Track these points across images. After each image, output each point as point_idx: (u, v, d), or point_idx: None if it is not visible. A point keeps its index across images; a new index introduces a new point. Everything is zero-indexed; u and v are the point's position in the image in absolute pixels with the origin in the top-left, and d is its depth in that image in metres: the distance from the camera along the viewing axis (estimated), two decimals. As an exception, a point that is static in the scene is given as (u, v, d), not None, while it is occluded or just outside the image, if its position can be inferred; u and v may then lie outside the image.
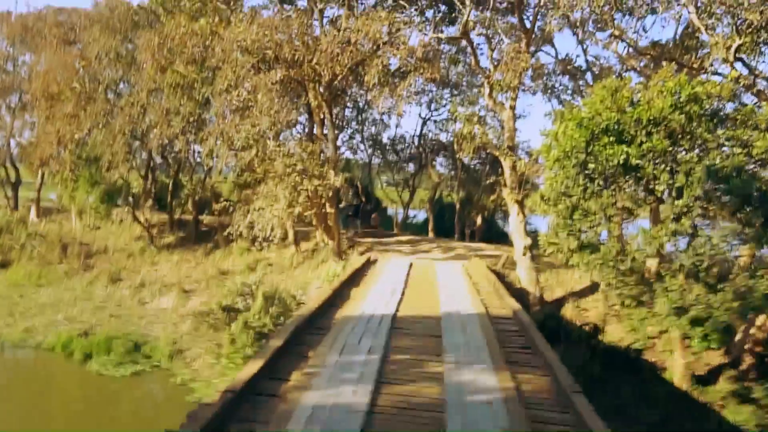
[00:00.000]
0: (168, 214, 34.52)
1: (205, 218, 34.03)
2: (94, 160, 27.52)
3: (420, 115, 36.56)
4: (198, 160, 30.01)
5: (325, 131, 22.14)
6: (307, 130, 26.81)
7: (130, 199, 29.44)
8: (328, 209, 21.41)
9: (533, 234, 20.25)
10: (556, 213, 12.64)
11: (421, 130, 36.81)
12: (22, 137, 38.21)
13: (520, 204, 17.25)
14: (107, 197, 29.37)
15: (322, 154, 21.22)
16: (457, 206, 35.71)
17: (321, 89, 20.55)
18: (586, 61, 25.35)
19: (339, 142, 35.97)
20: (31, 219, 40.03)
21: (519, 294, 17.16)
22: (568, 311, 16.80)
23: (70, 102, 26.57)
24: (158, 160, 32.72)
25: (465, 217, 36.01)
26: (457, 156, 28.44)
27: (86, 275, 28.76)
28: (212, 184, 28.62)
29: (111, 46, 25.95)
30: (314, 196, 20.04)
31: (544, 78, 27.52)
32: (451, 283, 16.09)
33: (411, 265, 19.23)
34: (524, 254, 16.99)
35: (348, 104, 35.25)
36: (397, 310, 12.40)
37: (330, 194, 20.34)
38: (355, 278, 15.96)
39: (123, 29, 25.89)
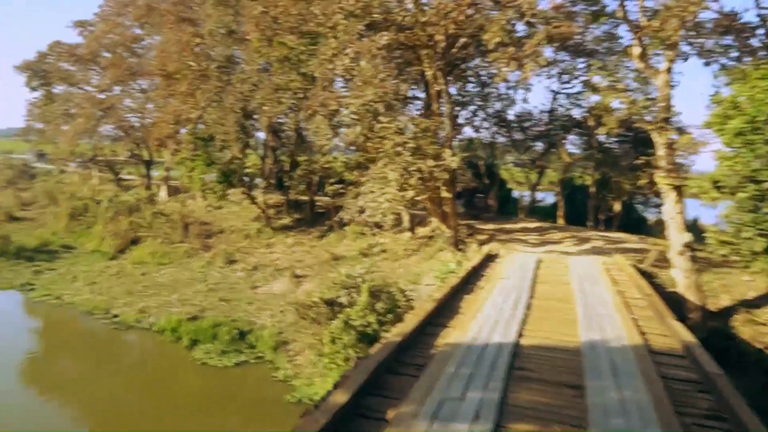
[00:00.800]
0: (285, 194, 34.03)
1: (322, 199, 33.15)
2: (209, 140, 27.16)
3: (550, 88, 33.13)
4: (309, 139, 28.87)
5: (442, 107, 19.83)
6: (423, 105, 24.60)
7: (246, 179, 28.87)
8: (444, 193, 19.19)
9: (691, 224, 16.76)
10: (737, 203, 9.54)
11: (551, 105, 33.35)
12: (146, 118, 39.21)
13: (678, 190, 13.94)
14: (223, 177, 29.04)
15: (438, 132, 18.99)
16: (591, 189, 32.03)
17: (436, 58, 18.26)
18: (759, 15, 20.91)
19: (461, 120, 33.53)
20: (161, 198, 41.48)
21: (673, 300, 14.01)
22: (741, 326, 13.38)
23: (186, 80, 26.24)
24: (273, 138, 31.94)
25: (600, 201, 32.25)
26: (595, 133, 25.00)
27: (205, 255, 28.74)
28: (323, 164, 27.30)
29: (223, 22, 25.20)
30: (428, 178, 17.91)
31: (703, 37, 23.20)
32: (590, 291, 12.91)
33: (539, 262, 16.43)
34: (682, 253, 13.74)
35: (470, 78, 32.62)
36: (519, 336, 9.50)
37: (446, 176, 18.10)
38: (469, 280, 13.41)
39: (233, 2, 25.03)
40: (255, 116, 26.60)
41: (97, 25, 39.68)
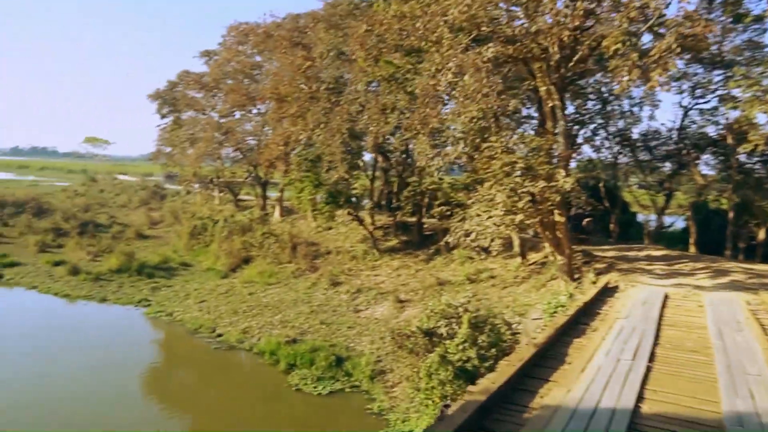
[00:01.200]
0: (393, 216, 33.48)
1: (430, 221, 32.24)
2: (317, 161, 27.16)
3: (680, 104, 30.15)
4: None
5: (557, 124, 18.30)
6: (537, 123, 23.08)
7: (353, 200, 28.57)
8: (557, 217, 17.56)
9: None
10: None
11: (682, 122, 30.38)
12: (261, 141, 40.33)
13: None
14: (331, 198, 28.93)
15: (552, 152, 17.48)
16: (730, 214, 28.65)
17: (549, 72, 16.84)
18: None
19: (580, 139, 31.44)
20: (274, 218, 42.47)
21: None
22: None
23: (296, 103, 26.47)
24: (380, 159, 31.52)
25: (740, 228, 28.75)
26: (736, 151, 22.23)
27: (311, 276, 28.68)
28: (429, 185, 26.38)
29: (332, 44, 25.21)
30: (540, 200, 16.44)
31: None
32: (732, 340, 10.37)
33: (666, 298, 14.29)
34: None
35: (591, 96, 30.54)
36: (639, 400, 7.56)
37: (558, 199, 16.54)
38: (580, 319, 11.68)
39: (343, 25, 24.98)
40: (362, 137, 26.28)
41: (221, 53, 41.73)
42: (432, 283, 25.05)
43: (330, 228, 36.46)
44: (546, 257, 23.28)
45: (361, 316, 23.91)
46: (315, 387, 17.46)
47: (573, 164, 26.13)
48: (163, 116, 46.35)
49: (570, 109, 29.15)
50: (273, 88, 27.81)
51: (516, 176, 16.44)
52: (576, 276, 18.88)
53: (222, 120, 40.69)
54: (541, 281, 21.29)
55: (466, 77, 13.79)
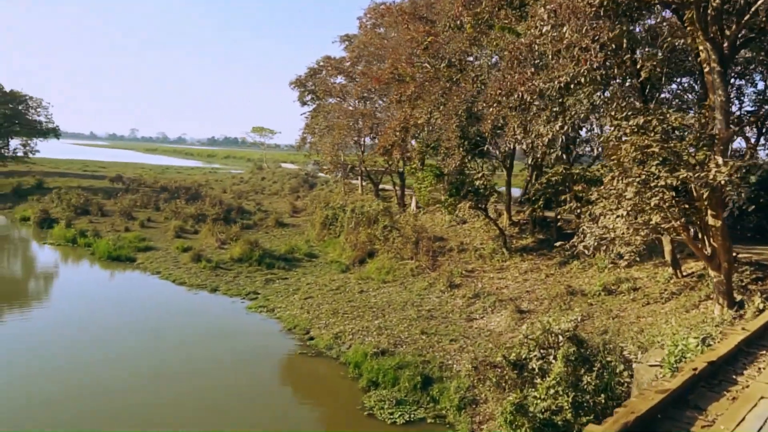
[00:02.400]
0: (531, 210, 29.48)
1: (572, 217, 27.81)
2: (436, 147, 24.23)
3: None
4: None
5: (717, 97, 13.60)
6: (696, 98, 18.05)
7: (479, 191, 25.18)
8: (710, 219, 12.99)
9: None
10: None
11: None
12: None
13: None
14: (454, 190, 25.85)
15: (704, 130, 12.96)
16: None
17: (705, 23, 12.35)
18: None
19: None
20: (411, 209, 40.17)
21: None
22: None
23: (414, 83, 23.72)
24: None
25: None
26: None
27: (430, 275, 25.94)
28: (551, 176, 22.27)
29: (455, 14, 22.00)
30: (696, 196, 12.28)
31: None
32: None
33: None
34: None
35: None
36: None
37: (709, 194, 12.11)
38: (723, 373, 7.57)
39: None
40: (479, 120, 22.84)
41: (358, 37, 40.18)
42: (561, 291, 21.12)
43: (464, 222, 33.34)
44: (705, 268, 18.31)
45: (473, 326, 20.72)
46: (391, 413, 14.76)
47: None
48: (304, 104, 46.20)
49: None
50: (391, 67, 25.27)
51: (651, 165, 12.38)
52: (739, 298, 14.09)
53: (356, 106, 39.14)
54: (693, 300, 16.59)
55: (565, 29, 10.09)
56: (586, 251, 14.30)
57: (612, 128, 13.08)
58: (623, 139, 13.04)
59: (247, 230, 40.98)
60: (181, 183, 58.67)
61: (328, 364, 18.19)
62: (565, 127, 12.00)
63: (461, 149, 22.25)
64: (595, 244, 14.24)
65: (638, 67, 12.83)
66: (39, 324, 21.25)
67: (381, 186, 47.93)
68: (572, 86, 10.98)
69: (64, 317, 22.03)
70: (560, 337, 11.93)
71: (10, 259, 33.28)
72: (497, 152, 29.03)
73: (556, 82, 10.89)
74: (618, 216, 13.13)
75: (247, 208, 48.02)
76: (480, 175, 23.92)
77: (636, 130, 12.58)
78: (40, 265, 31.68)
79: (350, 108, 39.18)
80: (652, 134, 12.54)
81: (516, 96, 11.94)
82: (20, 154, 53.43)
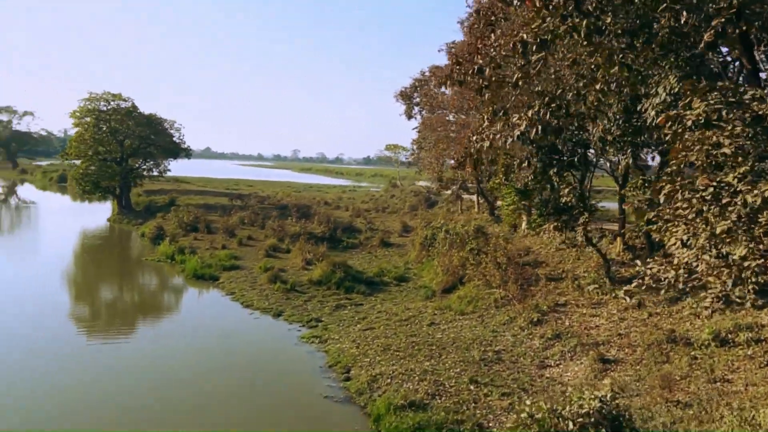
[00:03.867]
0: (646, 233, 24.59)
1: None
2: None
3: None
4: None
5: None
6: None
7: (566, 209, 21.22)
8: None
9: None
10: None
11: None
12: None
13: None
14: (543, 208, 22.11)
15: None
16: None
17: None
18: None
19: None
20: (522, 229, 36.24)
21: None
22: None
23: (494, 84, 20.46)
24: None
25: None
26: None
27: (515, 308, 22.32)
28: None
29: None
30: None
31: None
32: None
33: None
34: None
35: None
36: None
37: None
38: None
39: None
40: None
41: (460, 44, 37.23)
42: (659, 338, 16.78)
43: (575, 246, 28.98)
44: None
45: (544, 375, 17.07)
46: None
47: None
48: (410, 117, 44.01)
49: None
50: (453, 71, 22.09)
51: (730, 175, 8.60)
52: None
53: (456, 118, 36.18)
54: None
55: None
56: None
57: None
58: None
59: (351, 250, 39.59)
60: (300, 200, 59.13)
61: (351, 414, 15.54)
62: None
63: (536, 160, 18.61)
64: (665, 285, 10.53)
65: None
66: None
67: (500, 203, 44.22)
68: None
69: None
70: (571, 425, 8.33)
71: (103, 269, 34.69)
72: (602, 161, 24.71)
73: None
74: (682, 245, 9.40)
75: (357, 227, 46.72)
76: (567, 190, 20.00)
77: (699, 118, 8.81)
78: (123, 282, 32.47)
79: (449, 119, 36.28)
80: (729, 126, 8.69)
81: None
82: (155, 173, 56.93)
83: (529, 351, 18.70)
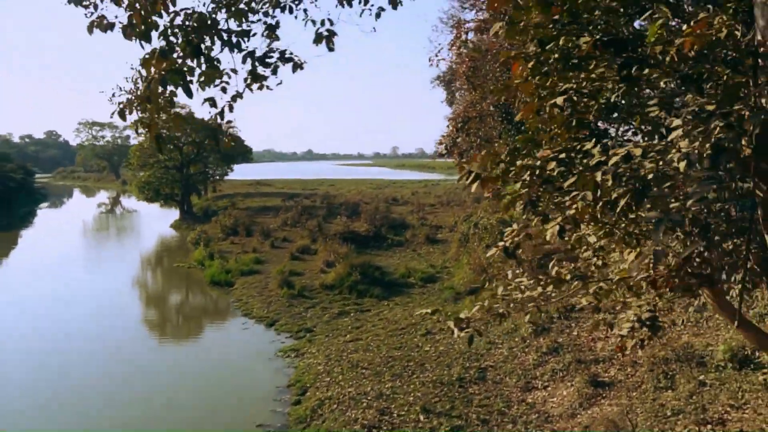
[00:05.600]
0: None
1: None
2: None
3: None
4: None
5: None
6: None
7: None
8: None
9: None
10: None
11: None
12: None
13: None
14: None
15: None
16: None
17: None
18: None
19: None
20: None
21: None
22: None
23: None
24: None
25: None
26: None
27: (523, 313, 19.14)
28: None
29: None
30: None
31: None
32: None
33: None
34: None
35: None
36: None
37: None
38: None
39: None
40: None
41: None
42: (669, 355, 13.37)
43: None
44: None
45: (526, 400, 14.21)
46: None
47: None
48: (452, 104, 40.67)
49: None
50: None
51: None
52: None
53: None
54: None
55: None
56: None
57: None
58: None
59: (395, 248, 37.24)
60: (362, 198, 57.46)
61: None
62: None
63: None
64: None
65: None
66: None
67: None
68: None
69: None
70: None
71: (134, 274, 34.56)
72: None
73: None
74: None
75: (409, 223, 44.18)
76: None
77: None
78: (141, 288, 31.97)
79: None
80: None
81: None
82: (216, 178, 57.39)
83: (518, 368, 15.68)
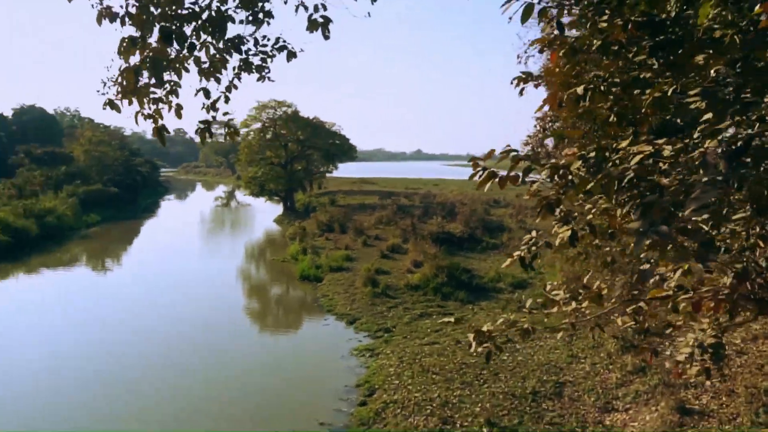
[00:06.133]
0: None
1: None
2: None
3: None
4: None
5: None
6: None
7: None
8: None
9: None
10: None
11: None
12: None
13: None
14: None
15: None
16: None
17: None
18: None
19: None
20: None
21: None
22: None
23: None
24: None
25: None
26: None
27: (612, 327, 17.87)
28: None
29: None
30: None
31: None
32: None
33: None
34: None
35: None
36: None
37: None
38: None
39: None
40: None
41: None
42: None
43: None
44: None
45: (603, 421, 13.18)
46: None
47: None
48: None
49: None
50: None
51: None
52: None
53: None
54: None
55: None
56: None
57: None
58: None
59: (490, 251, 36.26)
60: (461, 198, 56.48)
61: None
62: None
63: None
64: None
65: None
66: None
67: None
68: None
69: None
70: None
71: (234, 267, 35.78)
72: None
73: None
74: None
75: (506, 225, 42.93)
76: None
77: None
78: (233, 280, 32.91)
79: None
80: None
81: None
82: (318, 174, 58.61)
83: (599, 386, 14.57)
